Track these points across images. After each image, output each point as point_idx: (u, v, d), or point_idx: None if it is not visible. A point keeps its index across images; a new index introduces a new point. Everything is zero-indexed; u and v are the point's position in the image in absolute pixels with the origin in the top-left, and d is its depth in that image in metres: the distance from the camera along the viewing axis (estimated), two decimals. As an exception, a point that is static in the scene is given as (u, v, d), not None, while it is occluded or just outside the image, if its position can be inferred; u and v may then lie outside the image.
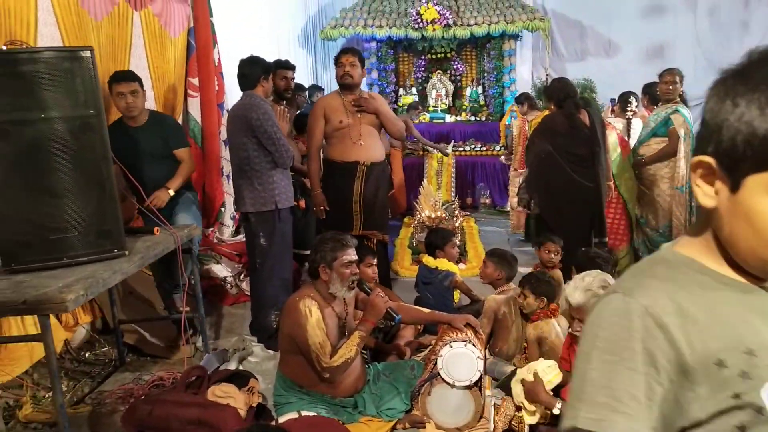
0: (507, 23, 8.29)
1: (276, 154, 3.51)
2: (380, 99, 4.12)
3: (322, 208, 4.01)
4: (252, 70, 3.56)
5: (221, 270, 4.46)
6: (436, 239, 4.15)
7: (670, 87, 4.52)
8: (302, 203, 4.31)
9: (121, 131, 3.40)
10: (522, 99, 6.55)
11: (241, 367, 3.31)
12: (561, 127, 4.06)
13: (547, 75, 9.31)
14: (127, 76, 3.43)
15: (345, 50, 3.99)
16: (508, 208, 7.02)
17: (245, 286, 4.44)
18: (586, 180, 4.03)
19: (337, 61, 3.96)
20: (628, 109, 5.44)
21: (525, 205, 4.54)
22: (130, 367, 3.41)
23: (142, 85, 3.44)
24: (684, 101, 4.63)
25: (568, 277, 3.65)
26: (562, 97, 4.07)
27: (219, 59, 4.68)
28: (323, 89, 7.33)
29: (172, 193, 3.49)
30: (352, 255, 2.65)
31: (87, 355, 3.46)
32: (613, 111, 5.94)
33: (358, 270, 2.69)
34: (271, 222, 3.62)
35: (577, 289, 2.36)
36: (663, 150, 4.50)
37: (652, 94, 5.19)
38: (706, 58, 9.35)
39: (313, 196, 4.08)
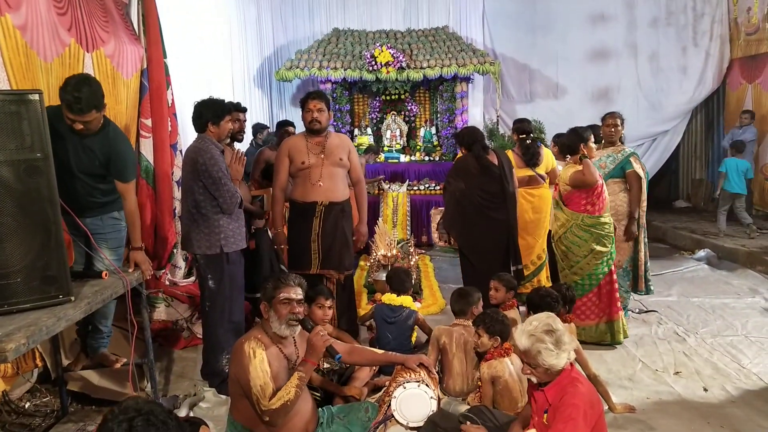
0: (459, 66, 8.56)
1: (220, 200, 3.52)
2: (347, 143, 4.21)
3: (283, 246, 4.10)
4: (202, 113, 3.57)
5: (172, 313, 4.36)
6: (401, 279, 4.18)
7: (612, 129, 4.73)
8: (252, 244, 4.30)
9: (63, 125, 2.95)
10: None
11: (191, 414, 3.23)
12: (472, 167, 4.45)
13: (498, 116, 9.62)
14: (82, 108, 3.02)
15: (312, 95, 4.06)
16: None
17: (197, 329, 4.35)
18: (497, 214, 4.40)
19: (304, 105, 4.04)
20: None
21: (446, 240, 4.76)
22: (73, 417, 3.27)
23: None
24: (622, 143, 4.84)
25: (486, 303, 3.86)
26: (471, 141, 4.50)
27: (173, 100, 4.67)
28: (268, 127, 7.36)
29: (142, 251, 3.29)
30: (290, 293, 2.63)
31: (27, 405, 3.31)
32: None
33: (298, 309, 2.65)
34: (219, 264, 3.60)
35: (523, 333, 2.37)
36: (635, 194, 4.60)
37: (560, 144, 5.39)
38: (647, 100, 9.81)
39: (275, 235, 4.16)
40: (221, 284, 3.61)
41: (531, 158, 5.05)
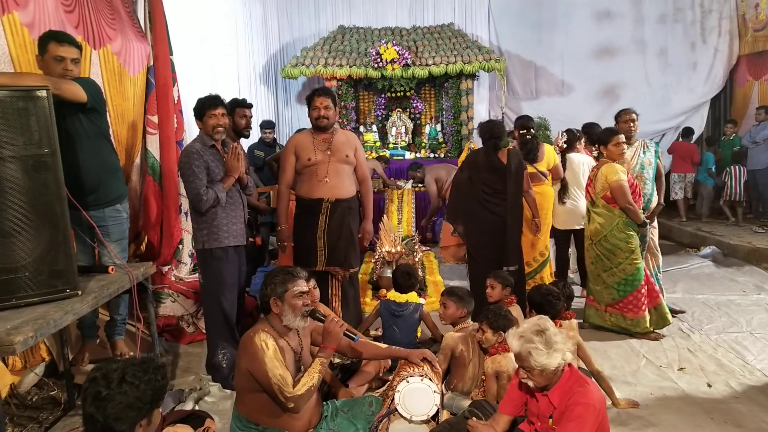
0: (464, 63, 8.57)
1: (189, 197, 3.57)
2: (353, 140, 4.20)
3: (285, 243, 4.09)
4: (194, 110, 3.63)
5: (177, 308, 4.39)
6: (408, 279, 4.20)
7: (630, 125, 4.75)
8: (258, 240, 4.33)
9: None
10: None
11: (197, 408, 3.25)
12: (481, 161, 4.51)
13: (503, 113, 9.61)
14: (71, 40, 3.10)
15: (318, 92, 4.05)
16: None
17: (202, 324, 4.38)
18: (498, 210, 4.43)
19: (310, 102, 4.05)
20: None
21: (457, 231, 4.76)
22: (80, 410, 3.30)
23: (82, 54, 3.20)
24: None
25: (481, 297, 3.87)
26: (487, 137, 4.53)
27: (179, 97, 4.70)
28: (274, 125, 7.37)
29: None
30: (302, 286, 2.67)
31: (34, 399, 3.34)
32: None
33: (309, 301, 2.70)
34: (203, 260, 3.66)
35: (513, 336, 2.36)
36: (662, 185, 4.86)
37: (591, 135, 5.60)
38: (655, 96, 9.79)
39: (279, 232, 4.16)
40: (208, 280, 3.65)
41: (528, 153, 5.05)
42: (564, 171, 5.43)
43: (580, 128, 6.02)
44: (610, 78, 9.93)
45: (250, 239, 3.98)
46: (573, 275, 5.92)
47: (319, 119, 4.00)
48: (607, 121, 6.89)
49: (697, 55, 9.83)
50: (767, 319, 4.80)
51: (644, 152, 4.80)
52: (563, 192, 5.44)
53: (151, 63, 4.50)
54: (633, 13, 9.86)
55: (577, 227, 5.35)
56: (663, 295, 4.60)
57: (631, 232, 4.34)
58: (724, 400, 3.44)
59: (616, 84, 9.94)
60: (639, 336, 4.39)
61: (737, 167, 8.42)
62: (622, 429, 3.10)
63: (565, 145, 5.58)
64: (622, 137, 4.39)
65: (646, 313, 4.39)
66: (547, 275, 5.28)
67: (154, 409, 1.88)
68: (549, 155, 5.32)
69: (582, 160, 5.41)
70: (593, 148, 5.74)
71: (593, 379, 3.11)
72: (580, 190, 5.32)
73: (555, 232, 5.54)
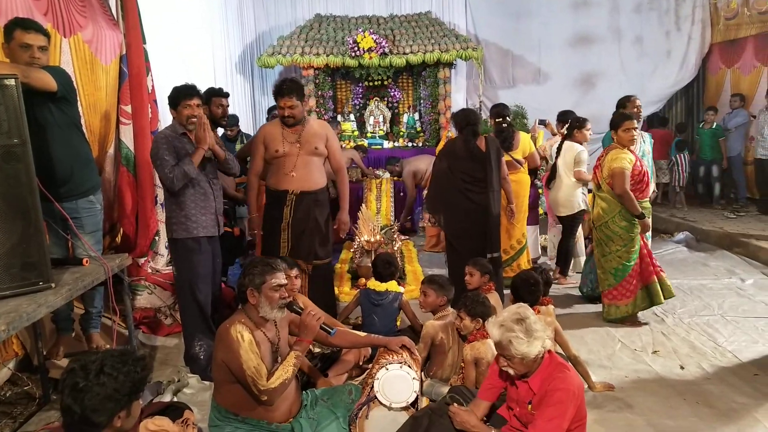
0: (441, 52, 8.56)
1: (161, 182, 3.56)
2: (325, 131, 4.14)
3: (255, 232, 4.09)
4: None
5: (154, 300, 4.35)
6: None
7: (638, 111, 4.81)
8: (237, 230, 4.30)
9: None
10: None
11: (175, 399, 3.23)
12: (459, 150, 4.48)
13: (480, 102, 9.64)
14: (38, 27, 3.03)
15: (282, 92, 3.95)
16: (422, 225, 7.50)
17: (180, 316, 4.35)
18: (477, 198, 4.42)
19: (276, 100, 4.00)
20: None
21: (437, 221, 4.76)
22: (56, 404, 3.27)
23: (50, 42, 3.15)
24: None
25: (460, 286, 3.85)
26: (464, 124, 4.49)
27: (153, 86, 4.62)
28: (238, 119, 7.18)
29: None
30: (280, 278, 2.65)
31: (8, 394, 3.29)
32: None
33: (287, 293, 2.68)
34: (175, 251, 3.66)
35: (494, 325, 2.37)
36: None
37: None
38: (630, 84, 9.87)
39: (249, 221, 4.14)
40: (181, 271, 3.64)
41: (503, 142, 5.08)
42: (557, 157, 5.47)
43: (557, 116, 6.12)
44: (587, 66, 10.00)
45: (228, 229, 3.94)
46: (551, 261, 5.99)
47: (286, 119, 3.96)
48: (582, 110, 7.02)
49: (671, 43, 9.95)
50: (738, 302, 4.91)
51: (643, 141, 4.86)
52: (550, 179, 5.51)
53: (124, 52, 4.41)
54: (609, 1, 9.93)
55: (563, 214, 5.43)
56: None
57: (634, 221, 4.31)
58: (697, 382, 3.53)
59: (593, 72, 10.02)
60: (625, 323, 4.43)
61: (682, 155, 8.65)
62: (598, 412, 3.16)
63: (564, 131, 5.63)
64: (634, 122, 4.31)
65: (632, 300, 4.41)
66: (524, 262, 5.34)
67: (134, 401, 1.87)
68: (524, 143, 5.36)
69: (576, 150, 5.41)
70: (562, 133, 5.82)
71: (570, 364, 3.16)
72: (566, 178, 5.35)
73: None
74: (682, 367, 3.72)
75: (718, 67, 9.69)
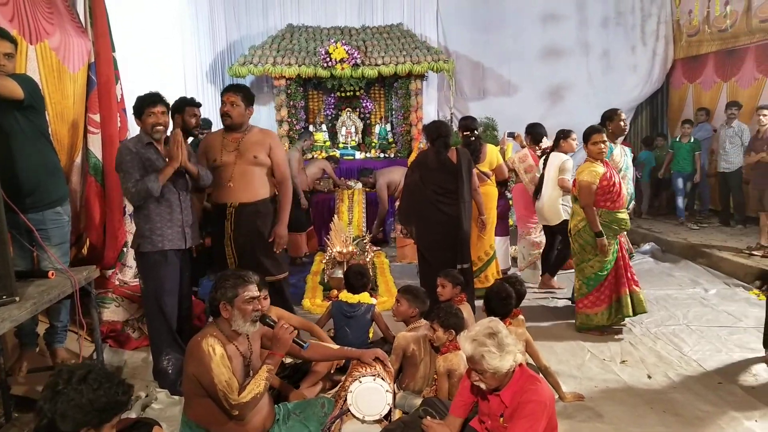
0: (413, 64, 8.63)
1: (123, 193, 3.54)
2: (268, 140, 3.97)
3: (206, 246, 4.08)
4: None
5: (122, 313, 4.26)
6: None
7: (624, 125, 4.93)
8: (208, 241, 4.25)
9: None
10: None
11: (143, 415, 3.17)
12: (431, 162, 4.52)
13: (451, 113, 9.74)
14: (5, 34, 3.00)
15: (228, 87, 3.92)
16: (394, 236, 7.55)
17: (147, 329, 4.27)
18: (449, 210, 4.45)
19: (221, 96, 3.92)
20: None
21: (409, 232, 4.78)
22: (17, 422, 3.16)
23: (17, 49, 3.09)
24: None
25: (432, 297, 3.83)
26: (435, 136, 4.54)
27: (122, 95, 4.55)
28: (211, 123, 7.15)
29: None
30: (253, 291, 2.62)
31: (-31, 411, 3.18)
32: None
33: (260, 305, 2.66)
34: (141, 264, 3.60)
35: (466, 339, 2.37)
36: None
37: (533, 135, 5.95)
38: (597, 97, 10.08)
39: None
40: (147, 284, 3.57)
41: (471, 154, 5.11)
42: (544, 169, 5.55)
43: (525, 128, 6.24)
44: (555, 79, 10.19)
45: (200, 240, 3.89)
46: (520, 273, 6.05)
47: (223, 116, 3.86)
48: (550, 122, 7.15)
49: (637, 58, 10.21)
50: (702, 311, 5.04)
51: (625, 154, 4.96)
52: (537, 190, 5.59)
53: (93, 60, 4.33)
54: (577, 15, 10.15)
55: (553, 223, 5.53)
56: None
57: (609, 232, 4.36)
58: (663, 391, 3.60)
59: (561, 85, 10.21)
60: (597, 332, 4.50)
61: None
62: (569, 422, 3.20)
63: (551, 144, 5.74)
64: (603, 135, 4.37)
65: (606, 308, 4.49)
66: (492, 273, 5.39)
67: (104, 424, 1.82)
68: (491, 155, 5.44)
69: (561, 159, 5.48)
70: (536, 147, 5.98)
71: (541, 375, 3.19)
72: (551, 188, 5.44)
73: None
74: (649, 377, 3.80)
75: (681, 82, 9.98)
